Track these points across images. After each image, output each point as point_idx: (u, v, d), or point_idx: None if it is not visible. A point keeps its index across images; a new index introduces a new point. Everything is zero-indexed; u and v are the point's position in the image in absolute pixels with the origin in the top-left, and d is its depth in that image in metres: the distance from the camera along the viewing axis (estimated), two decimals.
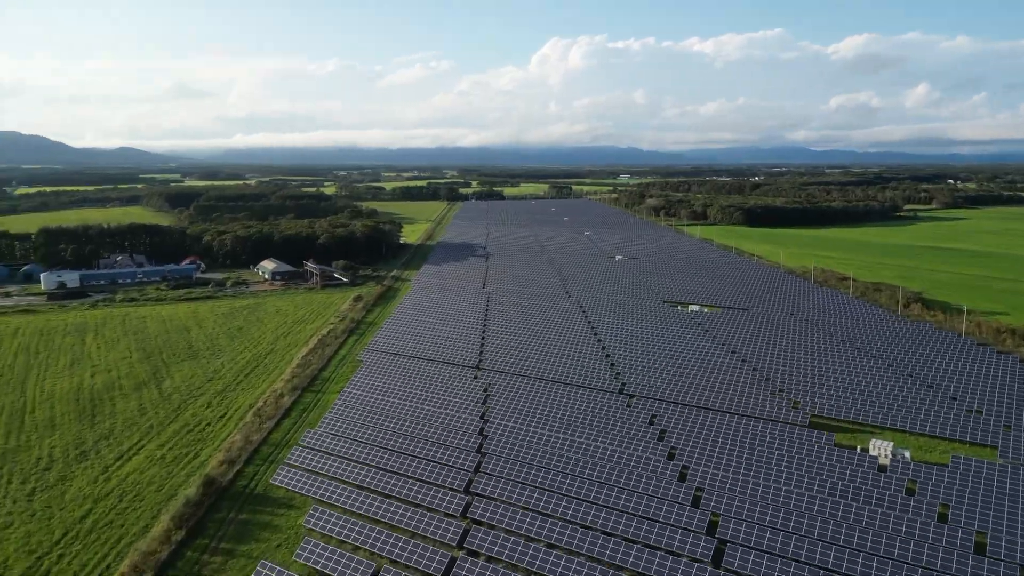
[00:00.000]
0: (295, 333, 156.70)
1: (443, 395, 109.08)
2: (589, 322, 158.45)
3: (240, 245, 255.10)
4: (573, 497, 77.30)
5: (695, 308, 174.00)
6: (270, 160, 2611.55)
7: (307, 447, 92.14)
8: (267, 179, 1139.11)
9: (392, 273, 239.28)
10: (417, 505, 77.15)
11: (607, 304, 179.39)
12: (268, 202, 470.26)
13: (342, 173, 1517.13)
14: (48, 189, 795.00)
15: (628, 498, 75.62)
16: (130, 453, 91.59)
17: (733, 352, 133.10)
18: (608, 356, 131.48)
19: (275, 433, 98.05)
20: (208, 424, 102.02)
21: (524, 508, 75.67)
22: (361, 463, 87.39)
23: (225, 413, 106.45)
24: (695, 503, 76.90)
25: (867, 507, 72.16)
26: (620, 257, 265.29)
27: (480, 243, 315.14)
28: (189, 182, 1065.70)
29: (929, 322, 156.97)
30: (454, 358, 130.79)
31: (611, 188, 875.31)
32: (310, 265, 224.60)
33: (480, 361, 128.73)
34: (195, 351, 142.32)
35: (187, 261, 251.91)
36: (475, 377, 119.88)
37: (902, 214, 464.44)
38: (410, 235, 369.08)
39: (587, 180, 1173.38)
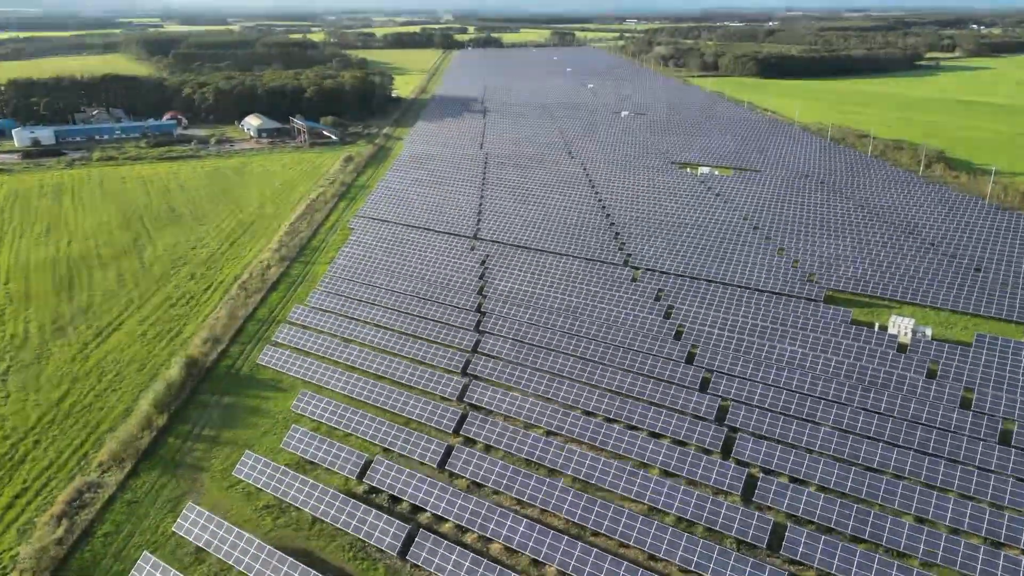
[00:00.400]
0: (283, 197, 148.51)
1: (439, 270, 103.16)
2: (594, 188, 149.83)
3: (223, 99, 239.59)
4: (576, 381, 73.51)
5: (705, 170, 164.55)
6: (255, 3, 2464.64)
7: (295, 323, 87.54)
8: (251, 24, 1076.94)
9: (384, 130, 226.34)
10: (412, 388, 73.45)
11: (613, 166, 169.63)
12: (252, 49, 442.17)
13: (331, 18, 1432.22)
14: (21, 35, 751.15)
15: (633, 380, 71.72)
16: (109, 329, 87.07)
17: (745, 219, 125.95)
18: (613, 225, 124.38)
19: (262, 309, 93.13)
20: (192, 297, 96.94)
21: (524, 393, 72.00)
22: (353, 341, 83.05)
23: (210, 285, 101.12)
24: (703, 387, 73.22)
25: (886, 392, 68.31)
26: (627, 113, 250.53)
27: (477, 97, 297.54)
28: (168, 27, 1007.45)
29: (951, 186, 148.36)
30: (450, 227, 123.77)
31: (617, 35, 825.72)
32: (297, 122, 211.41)
33: (478, 231, 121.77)
34: (177, 216, 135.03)
35: (168, 116, 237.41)
36: (472, 248, 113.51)
37: (922, 63, 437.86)
38: (403, 88, 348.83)
39: (591, 26, 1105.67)
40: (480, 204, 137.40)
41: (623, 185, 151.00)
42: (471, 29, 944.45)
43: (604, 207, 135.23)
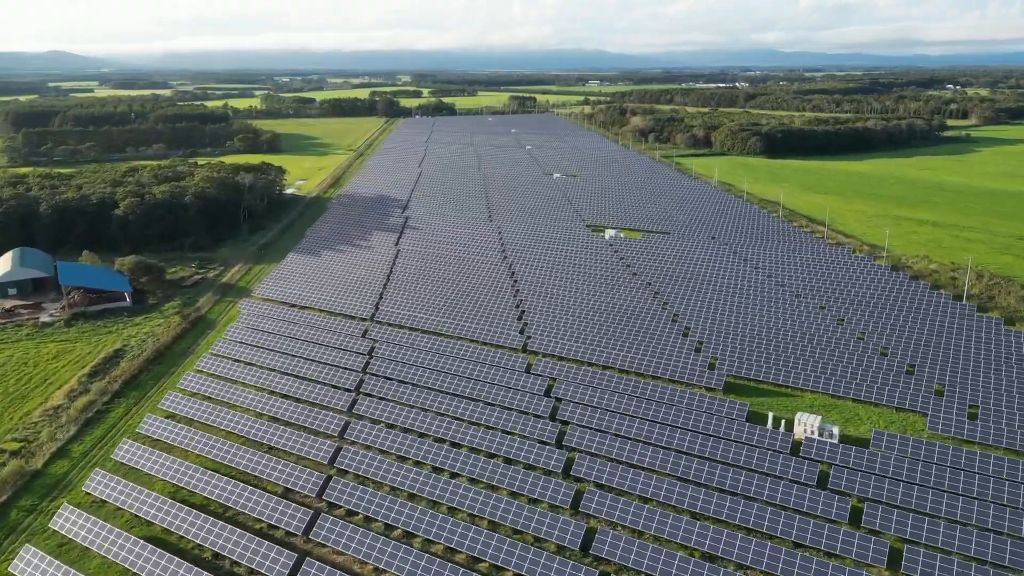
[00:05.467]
0: None
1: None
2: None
3: None
4: None
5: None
6: (210, 65, 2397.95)
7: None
8: (190, 88, 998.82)
9: (233, 270, 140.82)
10: None
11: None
12: (135, 125, 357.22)
13: (284, 79, 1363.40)
14: None
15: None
16: None
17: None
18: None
19: None
20: None
21: None
22: None
23: None
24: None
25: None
26: (559, 175, 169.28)
27: (401, 196, 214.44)
28: (102, 92, 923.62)
29: None
30: None
31: (582, 98, 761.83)
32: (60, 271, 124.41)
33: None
34: None
35: None
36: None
37: (949, 134, 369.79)
38: (313, 177, 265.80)
39: (553, 87, 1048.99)
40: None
41: None
42: (426, 92, 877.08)
43: None
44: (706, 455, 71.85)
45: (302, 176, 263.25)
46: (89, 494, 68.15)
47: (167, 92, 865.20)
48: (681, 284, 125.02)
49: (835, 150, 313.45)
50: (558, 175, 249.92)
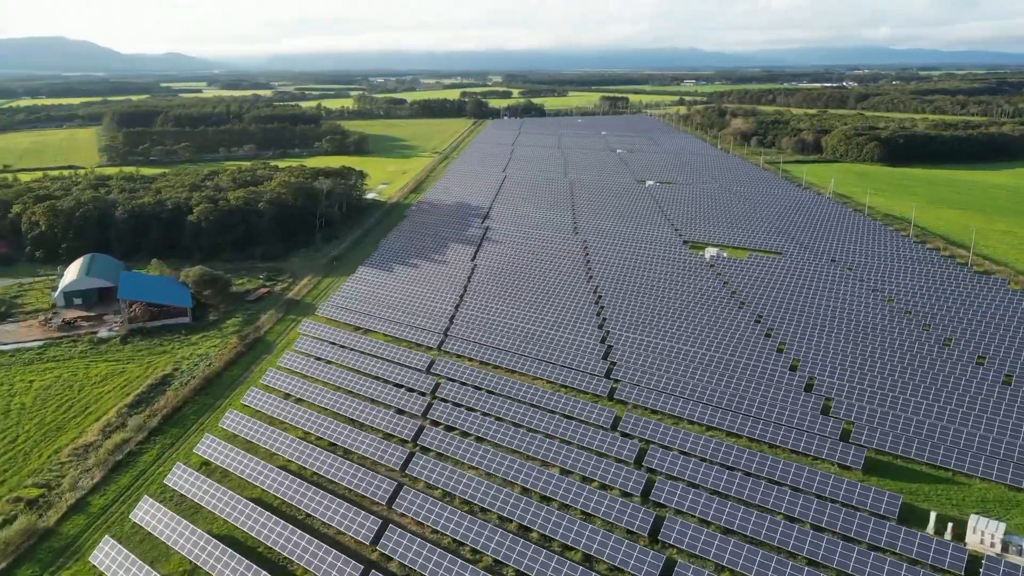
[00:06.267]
0: None
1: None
2: None
3: (58, 223, 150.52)
4: None
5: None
6: (313, 66, 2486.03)
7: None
8: (290, 88, 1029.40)
9: (298, 288, 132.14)
10: None
11: None
12: (231, 125, 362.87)
13: (379, 80, 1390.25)
14: (42, 103, 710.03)
15: None
16: None
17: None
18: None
19: None
20: None
21: None
22: None
23: None
24: None
25: None
26: (651, 182, 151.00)
27: (482, 203, 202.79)
28: (209, 92, 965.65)
29: None
30: None
31: (676, 98, 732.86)
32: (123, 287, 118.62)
33: None
34: None
35: None
36: None
37: None
38: (397, 179, 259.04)
39: (646, 87, 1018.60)
40: None
41: None
42: (516, 92, 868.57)
43: None
44: (848, 570, 54.99)
45: (385, 180, 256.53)
46: (95, 567, 58.46)
47: (268, 93, 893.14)
48: (798, 319, 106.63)
49: (965, 158, 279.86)
50: (651, 182, 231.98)
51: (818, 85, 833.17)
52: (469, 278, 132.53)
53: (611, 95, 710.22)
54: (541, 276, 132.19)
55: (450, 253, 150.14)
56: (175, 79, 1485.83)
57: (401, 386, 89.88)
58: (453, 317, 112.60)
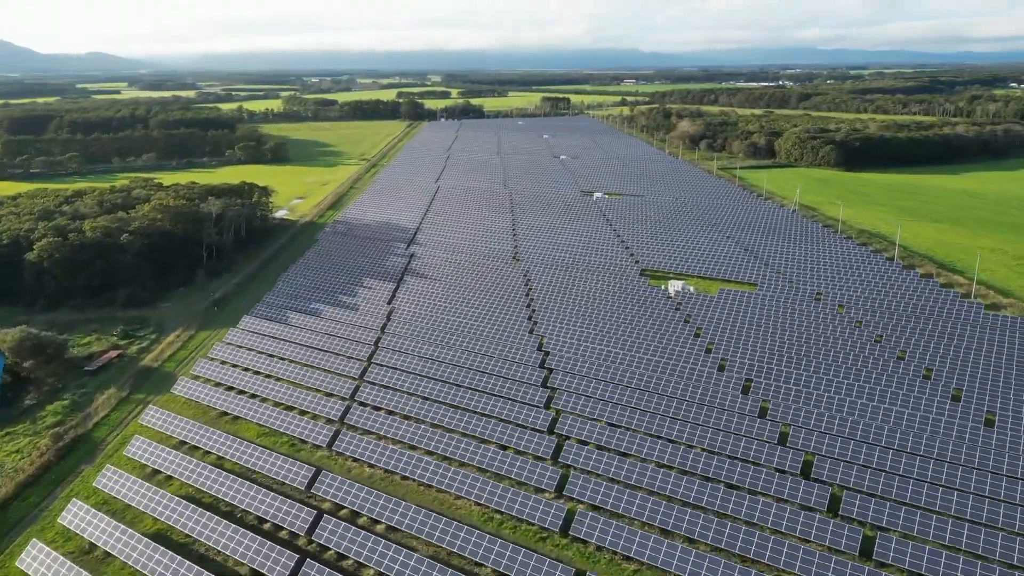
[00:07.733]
0: None
1: None
2: None
3: None
4: None
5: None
6: (246, 66, 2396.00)
7: None
8: (217, 89, 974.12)
9: (160, 348, 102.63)
10: None
11: None
12: (133, 131, 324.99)
13: (314, 80, 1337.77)
14: None
15: None
16: None
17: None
18: None
19: None
20: None
21: None
22: None
23: None
24: None
25: None
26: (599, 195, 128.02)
27: (409, 223, 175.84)
28: (128, 93, 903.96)
29: None
30: None
31: (618, 98, 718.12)
32: None
33: None
34: None
35: None
36: None
37: None
38: (315, 191, 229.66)
39: (587, 87, 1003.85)
40: None
41: None
42: (454, 92, 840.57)
43: None
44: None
45: (300, 193, 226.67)
46: None
47: (191, 94, 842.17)
48: (787, 382, 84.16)
49: (923, 160, 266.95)
50: (599, 194, 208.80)
51: (758, 85, 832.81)
52: (383, 328, 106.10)
53: (552, 95, 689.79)
54: (472, 321, 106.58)
55: (363, 293, 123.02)
56: (95, 80, 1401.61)
57: (264, 522, 62.97)
58: (355, 393, 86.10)
